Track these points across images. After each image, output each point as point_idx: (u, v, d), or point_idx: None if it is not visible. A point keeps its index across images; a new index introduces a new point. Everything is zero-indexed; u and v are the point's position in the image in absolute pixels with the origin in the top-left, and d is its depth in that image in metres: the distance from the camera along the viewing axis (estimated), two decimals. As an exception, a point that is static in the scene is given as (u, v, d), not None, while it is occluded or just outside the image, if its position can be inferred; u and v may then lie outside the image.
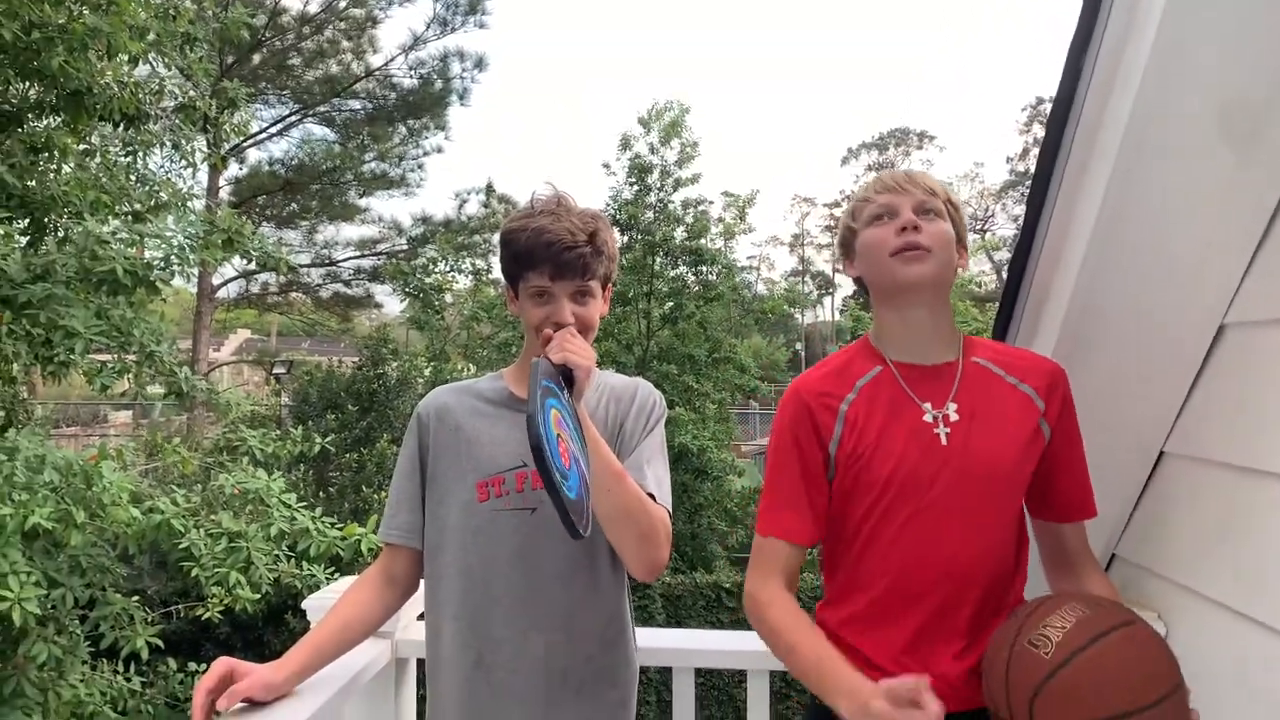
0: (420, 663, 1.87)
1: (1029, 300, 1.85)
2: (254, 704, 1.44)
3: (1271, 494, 1.46)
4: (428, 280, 13.81)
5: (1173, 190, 1.54)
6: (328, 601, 1.72)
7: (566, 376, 1.38)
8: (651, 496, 1.51)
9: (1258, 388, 1.53)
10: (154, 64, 5.17)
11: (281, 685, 1.48)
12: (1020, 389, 1.45)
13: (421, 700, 1.75)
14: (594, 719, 1.60)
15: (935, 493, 1.41)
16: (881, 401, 1.47)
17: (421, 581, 1.69)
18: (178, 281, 4.63)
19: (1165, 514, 1.78)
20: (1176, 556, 1.73)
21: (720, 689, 8.17)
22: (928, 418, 1.44)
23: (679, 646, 1.91)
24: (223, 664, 1.44)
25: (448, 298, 14.03)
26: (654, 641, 1.90)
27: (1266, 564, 1.46)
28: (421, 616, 1.72)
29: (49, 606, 3.69)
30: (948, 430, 1.43)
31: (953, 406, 1.44)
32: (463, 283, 14.57)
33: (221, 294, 16.84)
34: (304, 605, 1.92)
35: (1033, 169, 1.78)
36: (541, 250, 1.53)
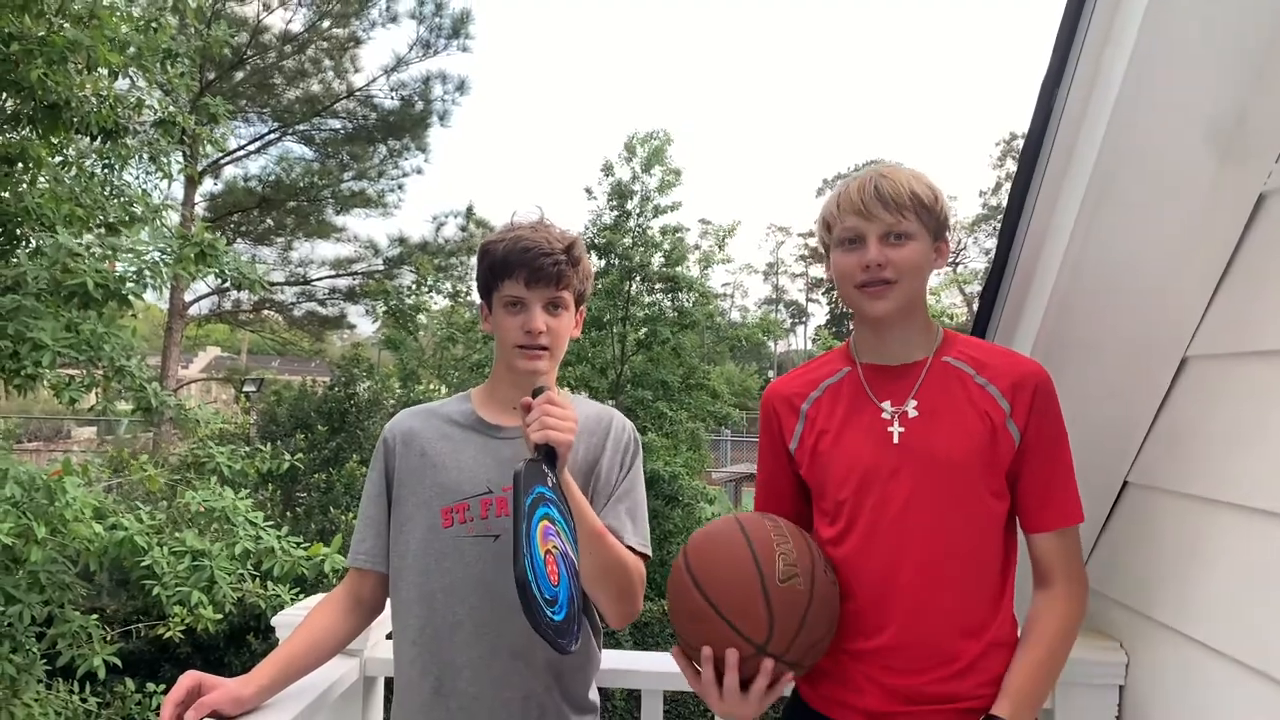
0: (389, 681, 1.86)
1: (999, 331, 1.88)
2: (222, 718, 1.43)
3: (1231, 524, 1.49)
4: (408, 301, 13.79)
5: (1139, 226, 1.58)
6: (296, 619, 1.70)
7: (549, 453, 1.37)
8: (631, 548, 1.54)
9: (1218, 419, 1.57)
10: (134, 78, 5.15)
11: (250, 700, 1.47)
12: (987, 389, 1.46)
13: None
14: None
15: (895, 488, 1.44)
16: (844, 401, 1.53)
17: (388, 602, 1.69)
18: (149, 296, 4.58)
19: (1128, 544, 1.81)
20: (1138, 586, 1.75)
21: (685, 718, 8.11)
22: (885, 415, 1.48)
23: (649, 669, 1.90)
24: (190, 677, 1.43)
25: (422, 319, 14.00)
26: (624, 664, 1.90)
27: (1225, 594, 1.49)
28: (390, 636, 1.71)
29: (5, 623, 3.61)
30: (902, 429, 1.46)
31: (913, 404, 1.47)
32: (440, 303, 14.56)
33: (193, 310, 16.67)
34: (273, 622, 1.91)
35: (1005, 203, 1.82)
36: (517, 256, 1.55)
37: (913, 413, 1.47)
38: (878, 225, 1.44)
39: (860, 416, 1.50)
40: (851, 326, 1.62)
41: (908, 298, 1.46)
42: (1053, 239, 1.69)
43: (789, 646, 1.34)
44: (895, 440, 1.46)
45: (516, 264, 1.55)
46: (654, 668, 1.90)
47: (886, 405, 1.49)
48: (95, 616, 4.21)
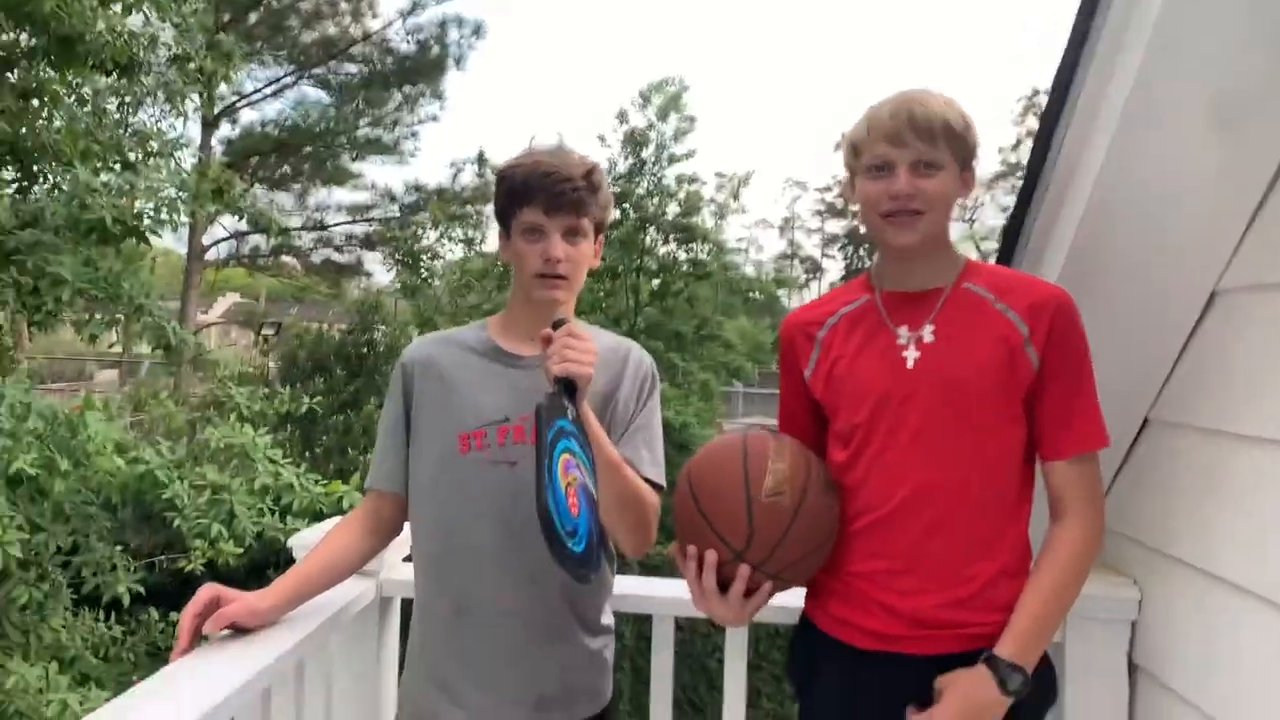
0: (405, 602, 1.88)
1: (1024, 264, 1.85)
2: (240, 630, 1.45)
3: (1257, 459, 1.47)
4: (419, 246, 13.79)
5: (1170, 162, 1.53)
6: (314, 540, 1.72)
7: (569, 385, 1.36)
8: (647, 479, 1.55)
9: (1246, 353, 1.54)
10: (148, 14, 5.11)
11: (267, 614, 1.49)
12: (1006, 314, 1.44)
13: (405, 640, 1.76)
14: (572, 665, 1.61)
15: (907, 412, 1.43)
16: (861, 328, 1.52)
17: (407, 525, 1.70)
18: (167, 238, 4.62)
19: (1146, 480, 1.80)
20: (1154, 522, 1.74)
21: (694, 656, 8.24)
22: (901, 340, 1.47)
23: (660, 595, 1.91)
24: (209, 589, 1.45)
25: (437, 264, 14.01)
26: (636, 589, 1.91)
27: (1248, 529, 1.47)
28: (408, 558, 1.72)
29: (31, 552, 3.68)
30: (918, 354, 1.45)
31: (929, 329, 1.46)
32: (455, 251, 14.55)
33: (211, 255, 16.71)
34: (290, 543, 1.93)
35: (1025, 160, 1.78)
36: (537, 181, 1.52)
37: (929, 338, 1.45)
38: (909, 153, 1.41)
39: (876, 342, 1.49)
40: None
41: (933, 228, 1.45)
42: (1081, 173, 1.65)
43: (767, 558, 1.39)
44: (910, 365, 1.45)
45: (536, 189, 1.52)
46: (665, 594, 1.92)
47: (903, 330, 1.47)
48: (120, 547, 4.30)
